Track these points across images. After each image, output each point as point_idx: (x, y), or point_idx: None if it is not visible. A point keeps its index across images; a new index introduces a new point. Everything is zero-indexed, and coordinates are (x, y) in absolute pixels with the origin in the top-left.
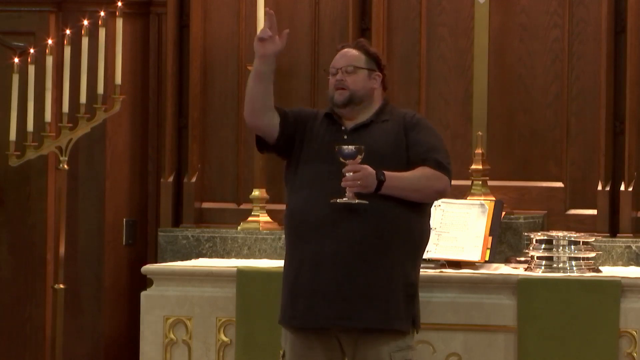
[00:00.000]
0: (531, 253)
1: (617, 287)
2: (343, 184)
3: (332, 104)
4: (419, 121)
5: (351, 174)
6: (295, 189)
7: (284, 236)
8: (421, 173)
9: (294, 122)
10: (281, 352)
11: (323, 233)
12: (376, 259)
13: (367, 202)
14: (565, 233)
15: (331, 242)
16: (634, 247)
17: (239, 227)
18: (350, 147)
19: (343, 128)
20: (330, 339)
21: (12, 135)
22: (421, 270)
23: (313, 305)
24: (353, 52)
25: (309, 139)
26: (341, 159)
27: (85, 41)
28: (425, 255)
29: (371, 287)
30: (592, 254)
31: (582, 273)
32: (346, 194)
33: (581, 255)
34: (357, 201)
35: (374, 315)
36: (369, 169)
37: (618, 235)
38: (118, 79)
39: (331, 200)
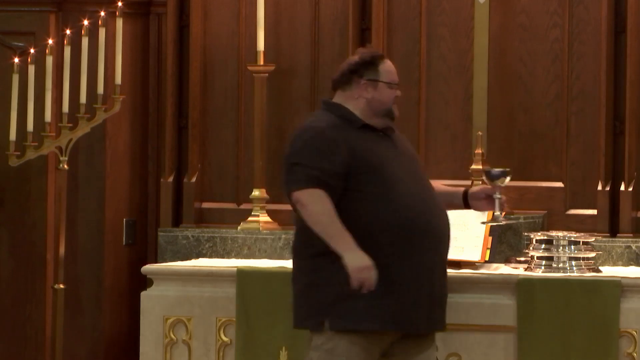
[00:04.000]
0: (531, 253)
1: (617, 287)
2: (500, 208)
3: (382, 115)
4: None
5: (501, 196)
6: (384, 193)
7: (284, 236)
8: None
9: (342, 174)
10: None
11: (439, 240)
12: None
13: (515, 221)
14: (565, 233)
15: (442, 249)
16: (634, 247)
17: (239, 227)
18: (498, 169)
19: (380, 133)
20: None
21: (12, 135)
22: None
23: (433, 311)
24: None
25: (361, 149)
26: (488, 180)
27: (85, 41)
28: None
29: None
30: (592, 254)
31: (582, 273)
32: (500, 217)
33: (581, 255)
34: (509, 222)
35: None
36: None
37: (618, 235)
38: (118, 79)
39: (488, 223)
